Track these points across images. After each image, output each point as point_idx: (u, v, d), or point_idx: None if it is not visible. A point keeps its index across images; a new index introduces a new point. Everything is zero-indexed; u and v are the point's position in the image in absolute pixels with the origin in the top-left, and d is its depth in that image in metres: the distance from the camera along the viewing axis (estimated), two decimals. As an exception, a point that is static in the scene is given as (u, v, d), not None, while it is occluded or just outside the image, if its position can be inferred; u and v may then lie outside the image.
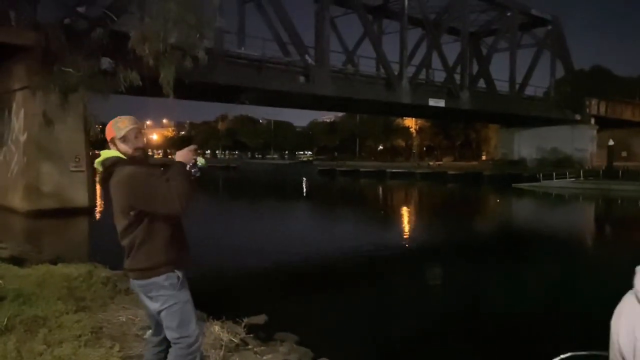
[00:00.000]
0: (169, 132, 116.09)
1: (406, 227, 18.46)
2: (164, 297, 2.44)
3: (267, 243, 13.62)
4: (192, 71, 17.28)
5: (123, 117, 2.59)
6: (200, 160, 2.52)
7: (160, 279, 2.43)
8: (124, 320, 4.53)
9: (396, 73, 30.88)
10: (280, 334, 5.98)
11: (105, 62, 17.77)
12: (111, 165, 2.46)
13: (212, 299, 7.35)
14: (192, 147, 2.54)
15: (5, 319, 3.97)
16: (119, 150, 2.51)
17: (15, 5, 17.63)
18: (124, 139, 2.52)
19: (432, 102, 31.40)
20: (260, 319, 6.52)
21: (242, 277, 9.77)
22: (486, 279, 10.02)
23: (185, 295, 2.51)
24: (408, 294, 8.85)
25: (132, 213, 2.40)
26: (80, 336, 3.95)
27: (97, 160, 2.54)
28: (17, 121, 18.75)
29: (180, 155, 2.46)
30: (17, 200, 18.51)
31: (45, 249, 10.37)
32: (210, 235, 14.42)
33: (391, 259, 12.08)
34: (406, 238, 15.55)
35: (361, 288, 9.26)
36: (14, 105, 18.86)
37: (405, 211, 24.47)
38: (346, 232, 16.60)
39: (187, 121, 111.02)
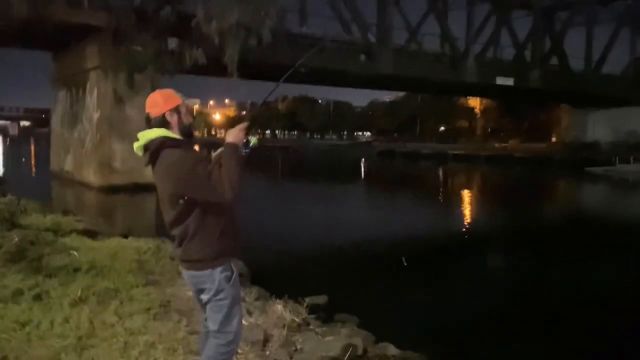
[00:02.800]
0: (231, 112, 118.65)
1: (469, 213, 17.86)
2: (215, 289, 2.34)
3: (326, 225, 13.59)
4: (255, 51, 17.38)
5: (163, 89, 2.46)
6: (252, 140, 2.35)
7: (215, 272, 2.32)
8: (190, 295, 4.59)
9: (462, 51, 29.72)
10: (341, 315, 5.92)
11: (173, 42, 18.22)
12: (158, 149, 2.27)
13: (273, 277, 7.41)
14: (243, 125, 2.35)
15: (80, 290, 4.13)
16: (170, 124, 2.33)
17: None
18: (181, 110, 2.40)
19: (499, 81, 30.01)
20: (321, 299, 6.48)
21: (302, 257, 9.79)
22: (552, 273, 9.48)
23: (236, 290, 2.42)
24: (469, 281, 8.54)
25: (181, 202, 2.26)
26: (149, 309, 4.04)
27: (137, 145, 2.32)
28: (91, 100, 19.70)
29: (232, 135, 2.30)
30: (91, 176, 19.56)
31: (116, 223, 10.85)
32: (271, 216, 14.60)
33: (452, 246, 11.70)
34: (469, 225, 15.03)
35: (421, 272, 9.03)
36: (88, 85, 19.80)
37: (468, 196, 23.72)
38: (406, 216, 16.28)
39: (249, 101, 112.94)
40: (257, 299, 5.71)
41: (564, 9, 37.21)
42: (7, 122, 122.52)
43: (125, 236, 7.74)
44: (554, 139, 55.16)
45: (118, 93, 18.09)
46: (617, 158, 33.63)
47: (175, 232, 2.34)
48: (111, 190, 17.96)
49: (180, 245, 2.34)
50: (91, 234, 6.96)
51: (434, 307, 7.09)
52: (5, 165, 31.41)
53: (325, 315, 5.77)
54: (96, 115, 19.28)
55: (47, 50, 23.22)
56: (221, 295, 2.34)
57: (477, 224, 15.14)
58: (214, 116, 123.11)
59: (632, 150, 35.88)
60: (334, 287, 7.36)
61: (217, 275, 2.32)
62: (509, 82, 30.42)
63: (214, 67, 17.57)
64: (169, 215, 2.33)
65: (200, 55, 16.62)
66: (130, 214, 14.56)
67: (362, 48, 25.58)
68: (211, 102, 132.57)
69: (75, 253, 5.33)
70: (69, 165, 22.09)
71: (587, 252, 11.05)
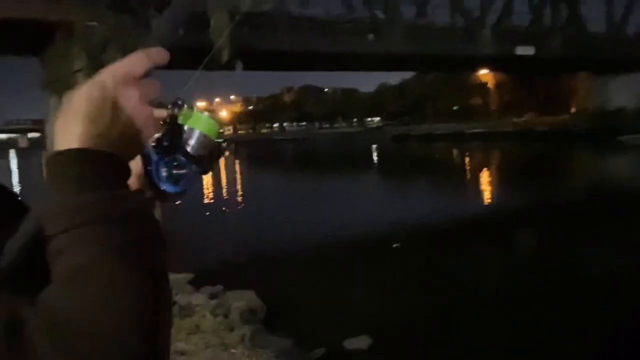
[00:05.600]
0: (237, 108, 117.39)
1: (494, 196, 16.22)
2: None
3: (344, 225, 11.88)
4: (251, 33, 15.62)
5: None
6: (208, 126, 0.54)
7: None
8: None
9: (476, 21, 27.69)
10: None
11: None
12: None
13: (293, 309, 5.79)
14: (141, 58, 0.50)
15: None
16: None
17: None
18: None
19: (519, 51, 27.94)
20: (363, 342, 4.86)
21: (322, 273, 8.05)
22: (591, 254, 8.13)
23: None
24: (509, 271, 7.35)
25: None
26: None
27: None
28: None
29: (90, 120, 0.47)
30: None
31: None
32: (282, 221, 12.88)
33: (482, 232, 10.19)
34: (498, 210, 13.40)
35: (455, 265, 7.78)
36: (77, 87, 18.30)
37: (491, 177, 21.95)
38: (427, 205, 14.58)
39: (254, 95, 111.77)
40: (277, 357, 4.10)
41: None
42: (17, 135, 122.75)
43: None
44: (573, 109, 52.78)
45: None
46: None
47: None
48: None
49: None
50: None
51: (481, 320, 5.59)
52: (20, 179, 30.27)
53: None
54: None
55: (32, 55, 21.74)
56: None
57: (506, 208, 13.45)
58: (220, 113, 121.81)
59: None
60: (367, 313, 5.78)
61: None
62: (530, 51, 28.34)
63: (216, 60, 15.88)
64: None
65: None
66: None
67: (370, 26, 23.74)
68: (217, 99, 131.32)
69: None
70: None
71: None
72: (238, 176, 27.19)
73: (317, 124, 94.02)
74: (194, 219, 12.23)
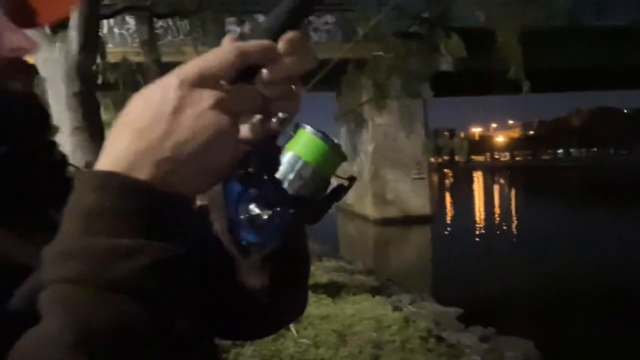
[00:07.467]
0: (516, 133, 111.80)
1: None
2: None
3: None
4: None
5: None
6: (320, 156, 0.42)
7: None
8: None
9: None
10: None
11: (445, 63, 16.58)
12: None
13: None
14: (230, 52, 0.38)
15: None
16: None
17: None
18: None
19: None
20: None
21: (614, 321, 6.59)
22: None
23: None
24: None
25: None
26: None
27: None
28: (366, 132, 19.94)
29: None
30: (368, 208, 19.64)
31: (380, 265, 9.72)
32: (565, 257, 11.23)
33: None
34: None
35: None
36: (364, 117, 20.12)
37: None
38: None
39: (535, 119, 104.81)
40: None
41: None
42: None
43: (378, 290, 6.33)
44: None
45: (389, 124, 17.73)
46: None
47: None
48: (386, 223, 17.59)
49: None
50: (334, 289, 5.74)
51: None
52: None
53: None
54: (370, 147, 19.40)
55: (331, 91, 24.85)
56: None
57: None
58: (496, 139, 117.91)
59: None
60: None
61: None
62: None
63: (496, 82, 15.21)
64: None
65: (458, 47, 13.24)
66: (397, 254, 13.47)
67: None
68: (494, 125, 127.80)
69: (293, 330, 4.05)
70: (350, 198, 22.86)
71: None
72: (513, 206, 25.42)
73: (611, 150, 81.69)
74: (465, 247, 11.85)
